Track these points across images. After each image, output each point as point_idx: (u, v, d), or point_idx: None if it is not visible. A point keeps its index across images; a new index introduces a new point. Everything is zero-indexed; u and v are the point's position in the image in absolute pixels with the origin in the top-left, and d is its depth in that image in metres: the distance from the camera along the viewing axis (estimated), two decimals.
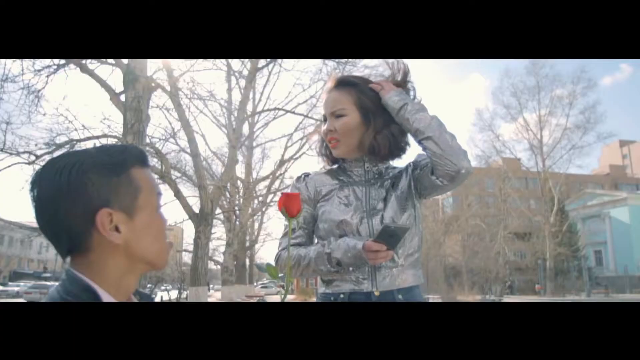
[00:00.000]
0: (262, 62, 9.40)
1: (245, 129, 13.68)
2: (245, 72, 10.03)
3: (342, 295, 1.16)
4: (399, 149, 1.24)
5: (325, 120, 1.25)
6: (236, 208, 14.80)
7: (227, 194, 14.01)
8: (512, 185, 36.01)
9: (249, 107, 13.50)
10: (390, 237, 1.05)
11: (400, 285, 1.16)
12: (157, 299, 11.20)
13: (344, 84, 1.23)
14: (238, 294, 16.47)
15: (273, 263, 1.23)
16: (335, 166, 1.32)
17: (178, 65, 7.58)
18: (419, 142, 1.18)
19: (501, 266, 33.32)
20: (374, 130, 1.21)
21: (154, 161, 7.70)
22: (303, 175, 1.29)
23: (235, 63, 11.24)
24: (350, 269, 1.15)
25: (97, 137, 7.62)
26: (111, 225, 0.65)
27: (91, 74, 5.80)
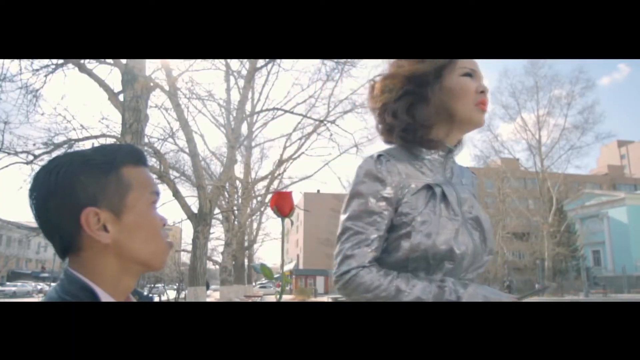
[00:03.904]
0: (260, 62, 9.40)
1: (244, 128, 13.69)
2: (244, 72, 10.04)
3: None
4: None
5: (468, 75, 1.01)
6: (235, 208, 14.79)
7: (226, 194, 14.00)
8: (511, 185, 36.17)
9: (248, 107, 13.51)
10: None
11: None
12: (156, 299, 11.14)
13: None
14: (237, 293, 16.48)
15: (275, 266, 1.06)
16: (407, 150, 1.00)
17: (177, 65, 7.58)
18: None
19: (500, 266, 33.42)
20: None
21: (152, 161, 7.67)
22: (384, 157, 0.94)
23: (234, 63, 11.29)
24: None
25: (96, 137, 7.61)
26: (99, 224, 0.65)
27: (90, 73, 5.79)
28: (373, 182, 0.89)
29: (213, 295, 20.84)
